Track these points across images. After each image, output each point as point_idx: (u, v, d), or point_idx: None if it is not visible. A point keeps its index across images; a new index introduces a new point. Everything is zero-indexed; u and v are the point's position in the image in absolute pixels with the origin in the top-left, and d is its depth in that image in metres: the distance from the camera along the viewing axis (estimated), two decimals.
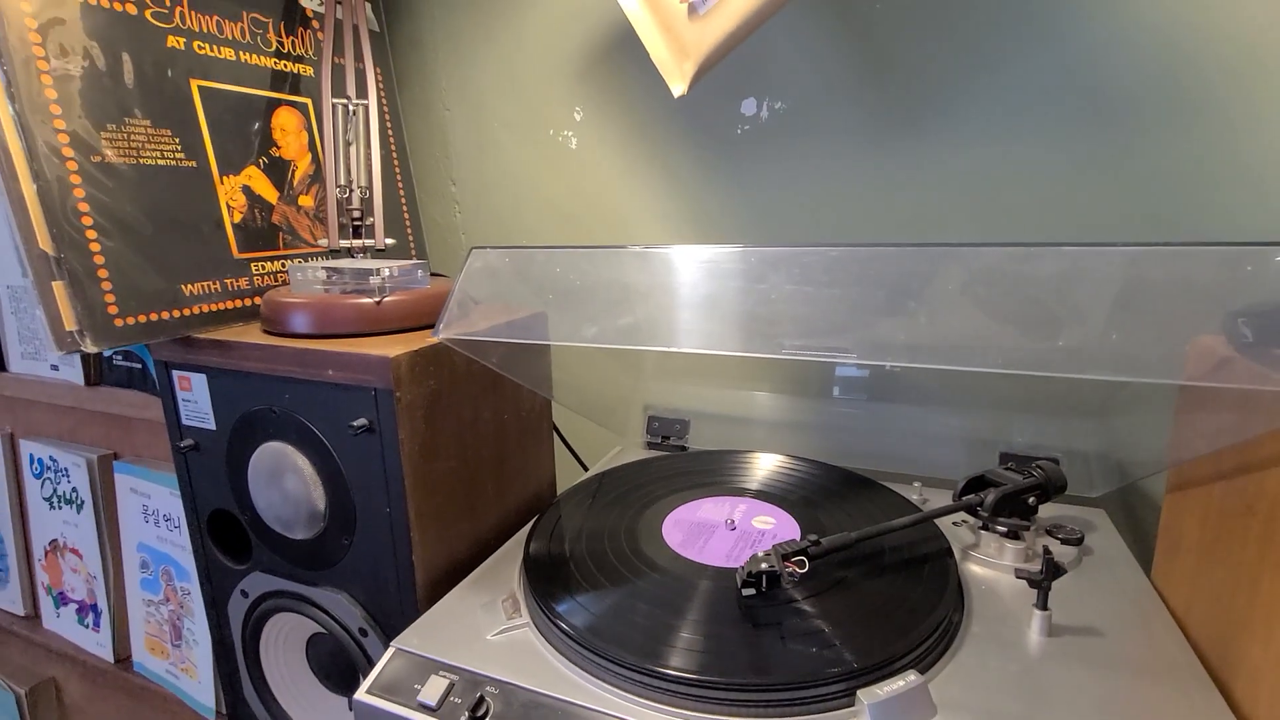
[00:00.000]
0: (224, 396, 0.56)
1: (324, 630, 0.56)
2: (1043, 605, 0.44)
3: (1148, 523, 0.64)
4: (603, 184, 0.78)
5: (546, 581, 0.48)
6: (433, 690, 0.41)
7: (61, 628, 0.91)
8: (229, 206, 0.59)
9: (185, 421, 0.58)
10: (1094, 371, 0.38)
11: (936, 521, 0.53)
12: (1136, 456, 0.60)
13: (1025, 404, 0.65)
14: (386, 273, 0.56)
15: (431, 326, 0.57)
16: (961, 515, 0.56)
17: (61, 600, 0.90)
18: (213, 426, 0.57)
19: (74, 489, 0.85)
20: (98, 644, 0.87)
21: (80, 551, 0.86)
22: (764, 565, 0.45)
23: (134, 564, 0.81)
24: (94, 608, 0.87)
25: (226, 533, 0.62)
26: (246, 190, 0.61)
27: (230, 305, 0.58)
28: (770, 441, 0.76)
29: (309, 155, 0.67)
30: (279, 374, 0.52)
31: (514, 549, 0.56)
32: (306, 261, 0.62)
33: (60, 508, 0.87)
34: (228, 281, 0.58)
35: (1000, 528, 0.53)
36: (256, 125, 0.62)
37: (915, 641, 0.40)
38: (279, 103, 0.64)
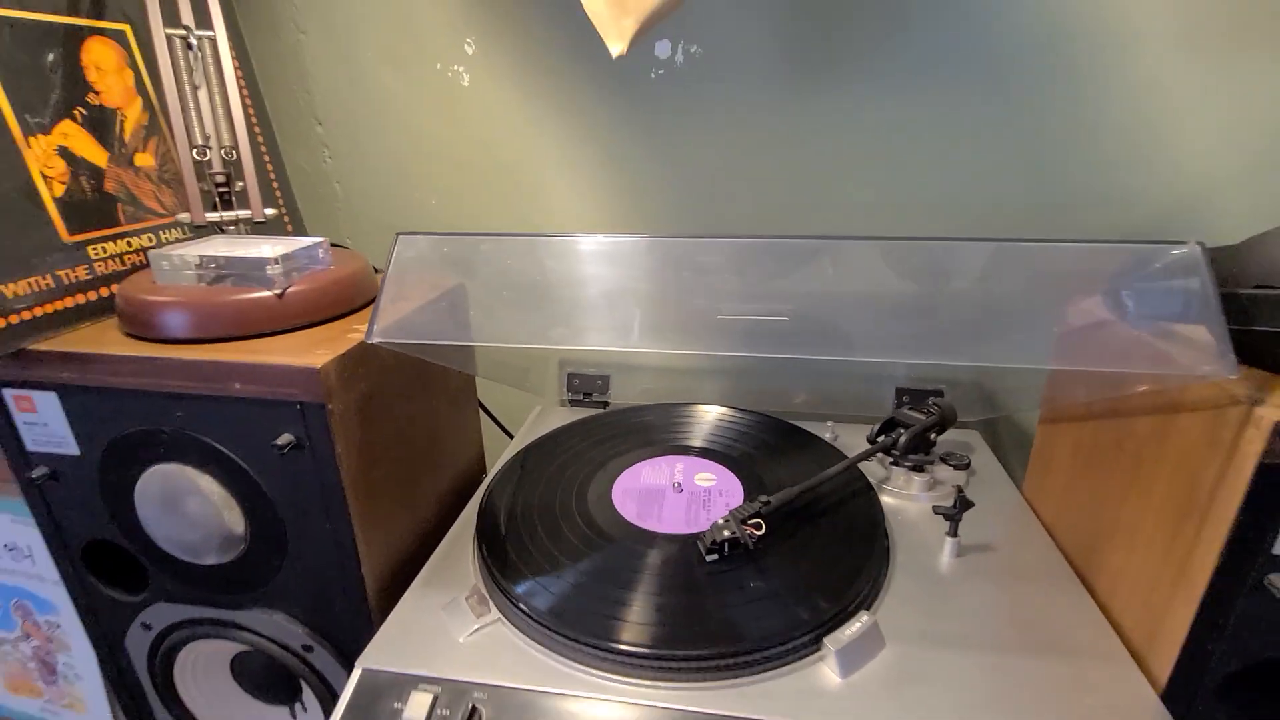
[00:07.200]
0: (87, 416, 0.46)
1: (251, 649, 0.52)
2: (954, 533, 0.51)
3: (1010, 442, 0.75)
4: (500, 127, 0.71)
5: (512, 573, 0.47)
6: (418, 707, 0.40)
7: None
8: (44, 176, 0.46)
9: (33, 448, 0.48)
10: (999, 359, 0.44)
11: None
12: (1010, 390, 0.70)
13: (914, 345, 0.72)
14: (283, 255, 0.48)
15: (340, 317, 0.51)
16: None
17: None
18: (75, 451, 0.47)
19: None
20: None
21: None
22: (726, 533, 0.48)
23: None
24: None
25: (109, 563, 0.53)
26: (64, 152, 0.48)
27: (70, 303, 0.47)
28: (692, 390, 0.78)
29: (139, 100, 0.53)
30: (163, 390, 0.44)
31: (460, 536, 0.54)
32: (162, 240, 0.52)
33: None
34: (61, 274, 0.47)
35: (907, 463, 0.60)
36: (61, 65, 0.48)
37: (865, 584, 0.46)
38: (86, 31, 0.50)
